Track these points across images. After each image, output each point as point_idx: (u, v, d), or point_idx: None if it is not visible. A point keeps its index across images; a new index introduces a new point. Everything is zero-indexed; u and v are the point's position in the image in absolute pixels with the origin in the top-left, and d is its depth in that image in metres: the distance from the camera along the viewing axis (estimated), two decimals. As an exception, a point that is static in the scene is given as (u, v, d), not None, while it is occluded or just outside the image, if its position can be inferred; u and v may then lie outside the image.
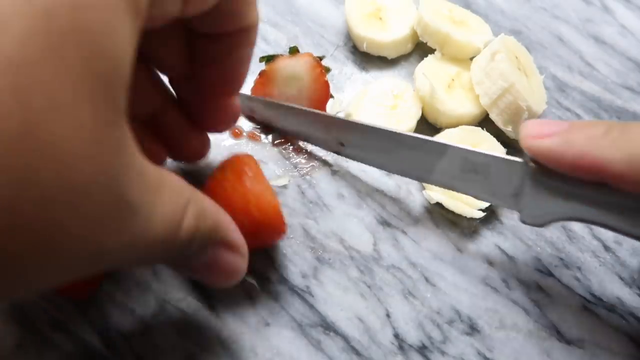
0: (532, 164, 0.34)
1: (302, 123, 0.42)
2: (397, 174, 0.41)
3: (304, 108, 0.41)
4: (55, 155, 0.18)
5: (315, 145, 0.43)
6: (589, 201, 0.32)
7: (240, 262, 0.30)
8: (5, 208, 0.17)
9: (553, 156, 0.32)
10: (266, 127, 0.44)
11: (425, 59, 0.46)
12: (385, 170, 0.42)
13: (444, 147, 0.36)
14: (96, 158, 0.19)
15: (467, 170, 0.36)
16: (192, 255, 0.27)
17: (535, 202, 0.34)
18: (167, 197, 0.24)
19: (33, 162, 0.18)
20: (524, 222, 0.35)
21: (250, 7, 0.29)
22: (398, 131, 0.38)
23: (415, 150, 0.37)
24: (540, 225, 0.35)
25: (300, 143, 0.44)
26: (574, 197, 0.33)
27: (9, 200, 0.17)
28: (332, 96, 0.45)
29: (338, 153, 0.42)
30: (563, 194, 0.33)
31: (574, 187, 0.32)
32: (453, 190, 0.38)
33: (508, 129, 0.43)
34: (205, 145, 0.38)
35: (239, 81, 0.34)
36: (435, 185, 0.38)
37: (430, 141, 0.37)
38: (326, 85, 0.43)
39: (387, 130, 0.38)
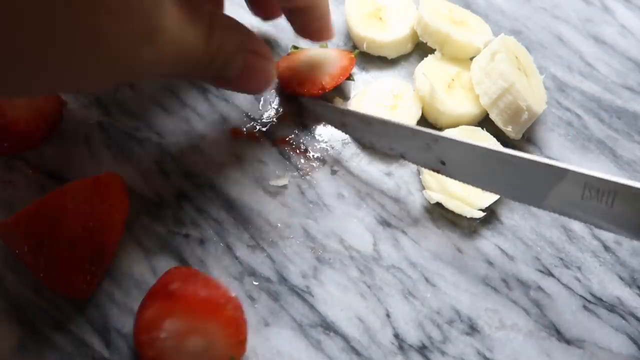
0: None
1: (400, 139, 0.39)
2: (505, 196, 0.38)
3: (403, 124, 0.39)
4: None
5: (412, 162, 0.41)
6: None
7: (268, 65, 0.37)
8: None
9: None
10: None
11: (425, 59, 0.46)
12: (490, 192, 0.38)
13: (563, 172, 0.33)
14: None
15: (589, 197, 0.33)
16: (226, 66, 0.34)
17: None
18: (192, 21, 0.30)
19: None
20: None
21: None
22: (508, 151, 0.35)
23: (528, 173, 0.34)
24: None
25: (299, 142, 0.44)
26: None
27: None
28: (352, 78, 0.45)
29: (437, 172, 0.39)
30: None
31: None
32: (568, 217, 0.35)
33: (508, 129, 0.43)
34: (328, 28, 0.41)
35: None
36: (548, 210, 0.35)
37: (547, 164, 0.34)
38: (352, 59, 0.44)
39: (496, 151, 0.35)
